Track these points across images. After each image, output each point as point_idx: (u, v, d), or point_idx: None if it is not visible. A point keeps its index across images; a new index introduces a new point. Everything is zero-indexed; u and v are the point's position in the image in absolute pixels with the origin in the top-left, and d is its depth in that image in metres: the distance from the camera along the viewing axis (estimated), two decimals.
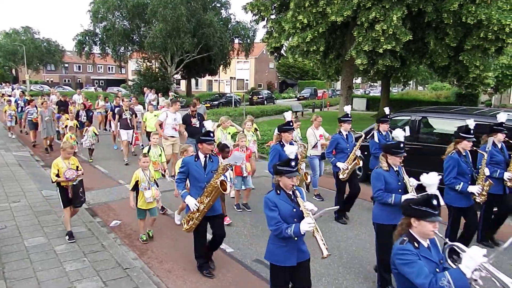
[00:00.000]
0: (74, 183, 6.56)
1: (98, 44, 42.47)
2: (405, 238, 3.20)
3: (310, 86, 62.57)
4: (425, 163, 9.94)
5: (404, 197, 4.98)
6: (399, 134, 5.52)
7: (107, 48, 42.10)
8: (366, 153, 10.29)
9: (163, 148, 8.83)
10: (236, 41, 44.35)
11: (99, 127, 18.28)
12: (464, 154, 6.09)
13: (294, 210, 4.10)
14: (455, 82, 22.40)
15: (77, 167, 6.71)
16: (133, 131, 13.43)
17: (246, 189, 8.77)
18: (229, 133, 9.98)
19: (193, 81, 56.03)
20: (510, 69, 28.45)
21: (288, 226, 3.99)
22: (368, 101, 39.08)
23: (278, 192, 4.14)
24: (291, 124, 6.92)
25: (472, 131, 6.06)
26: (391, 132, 8.05)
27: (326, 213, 4.12)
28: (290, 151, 4.17)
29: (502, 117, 6.85)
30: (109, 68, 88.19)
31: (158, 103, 21.22)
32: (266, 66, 72.62)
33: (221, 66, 45.04)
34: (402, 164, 5.40)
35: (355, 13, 16.15)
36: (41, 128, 14.28)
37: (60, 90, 51.61)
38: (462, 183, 5.96)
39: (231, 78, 41.81)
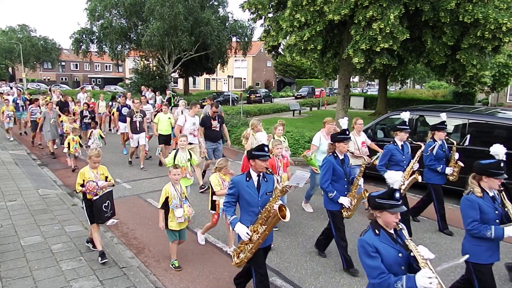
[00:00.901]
0: (97, 197, 5.87)
1: (95, 42, 42.31)
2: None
3: (308, 84, 62.73)
4: (422, 162, 9.97)
5: (507, 229, 4.21)
6: (499, 151, 4.63)
7: (104, 46, 41.93)
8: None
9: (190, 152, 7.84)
10: (234, 39, 44.28)
11: (100, 128, 17.54)
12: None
13: (400, 254, 3.27)
14: (452, 81, 22.44)
15: (106, 177, 6.15)
16: (145, 134, 12.47)
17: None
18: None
19: (190, 79, 55.90)
20: (506, 67, 28.50)
21: (397, 280, 3.10)
22: (366, 99, 39.17)
23: (377, 232, 3.34)
24: (347, 132, 5.83)
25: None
26: (447, 141, 7.61)
27: (451, 264, 3.11)
28: (394, 179, 3.38)
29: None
30: (106, 66, 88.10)
31: (155, 101, 21.18)
32: (263, 65, 72.64)
33: (219, 64, 44.99)
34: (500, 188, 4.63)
35: (352, 12, 16.14)
36: (45, 130, 13.52)
37: (62, 89, 51.60)
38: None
39: (228, 76, 41.70)
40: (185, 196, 5.99)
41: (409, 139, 7.24)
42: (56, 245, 6.36)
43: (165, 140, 12.23)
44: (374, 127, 11.29)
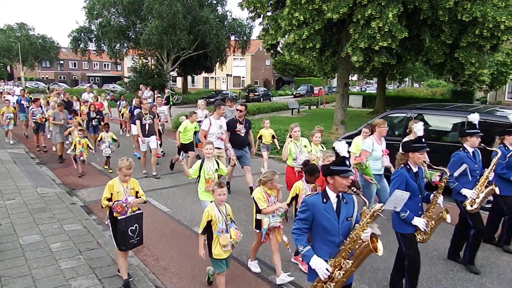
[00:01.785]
0: (123, 216, 5.07)
1: (93, 40, 42.28)
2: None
3: (307, 83, 62.72)
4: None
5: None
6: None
7: (102, 45, 41.90)
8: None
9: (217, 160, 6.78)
10: (232, 38, 44.29)
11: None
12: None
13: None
14: (450, 79, 22.42)
15: (137, 192, 5.33)
16: (156, 137, 11.62)
17: None
18: (305, 146, 7.82)
19: (189, 78, 55.96)
20: (505, 66, 28.50)
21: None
22: (364, 98, 39.21)
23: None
24: (423, 140, 4.92)
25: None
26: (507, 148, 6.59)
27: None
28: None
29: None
30: (104, 65, 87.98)
31: (154, 100, 21.13)
32: (262, 63, 72.63)
33: (217, 63, 45.02)
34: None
35: (351, 10, 16.13)
36: (54, 132, 12.85)
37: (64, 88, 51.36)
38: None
39: (227, 75, 41.87)
40: (231, 219, 5.06)
41: (482, 144, 6.23)
42: (55, 243, 6.36)
43: (187, 149, 11.16)
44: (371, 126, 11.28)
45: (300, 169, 7.05)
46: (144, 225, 7.54)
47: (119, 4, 38.27)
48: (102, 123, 14.27)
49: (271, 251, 5.67)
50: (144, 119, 11.11)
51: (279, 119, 23.52)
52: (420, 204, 5.03)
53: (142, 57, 41.27)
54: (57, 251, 6.09)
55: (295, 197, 5.82)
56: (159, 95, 20.86)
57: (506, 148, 6.54)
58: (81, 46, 41.86)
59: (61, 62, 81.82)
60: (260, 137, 11.89)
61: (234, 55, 49.75)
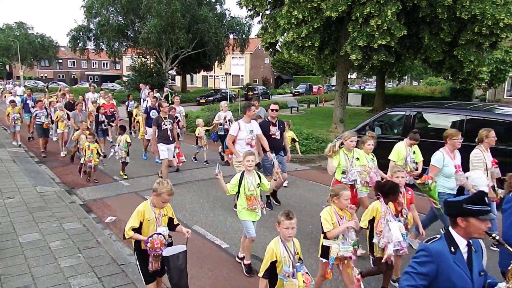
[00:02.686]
0: (170, 252, 4.15)
1: (92, 39, 42.30)
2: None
3: (306, 81, 62.68)
4: None
5: None
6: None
7: (101, 43, 41.94)
8: None
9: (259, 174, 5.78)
10: (231, 36, 44.30)
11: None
12: None
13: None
14: (449, 77, 22.48)
15: (172, 219, 4.47)
16: (175, 144, 10.38)
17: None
18: (358, 158, 6.44)
19: (188, 76, 55.92)
20: (504, 63, 28.55)
21: None
22: (363, 96, 39.20)
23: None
24: None
25: None
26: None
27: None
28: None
29: None
30: (103, 64, 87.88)
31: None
32: (261, 62, 72.58)
33: (216, 61, 45.03)
34: None
35: (349, 8, 16.13)
36: (72, 135, 11.89)
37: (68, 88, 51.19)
38: None
39: (226, 73, 41.80)
40: (300, 258, 4.00)
41: None
42: (54, 242, 6.36)
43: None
44: (372, 124, 11.30)
45: (351, 185, 6.17)
46: None
47: (118, 3, 38.27)
48: (112, 124, 14.01)
49: (345, 286, 4.83)
50: (164, 124, 9.80)
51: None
52: None
53: (141, 56, 41.26)
54: (57, 250, 6.09)
55: (371, 221, 4.84)
56: (154, 93, 20.80)
57: None
58: (80, 45, 41.86)
59: (60, 61, 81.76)
60: None
61: (233, 53, 49.74)
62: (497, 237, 2.77)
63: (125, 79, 48.70)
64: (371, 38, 15.77)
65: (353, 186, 6.22)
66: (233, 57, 62.60)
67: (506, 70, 29.27)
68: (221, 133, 12.15)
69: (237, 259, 6.04)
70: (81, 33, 41.57)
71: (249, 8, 21.05)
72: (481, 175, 6.21)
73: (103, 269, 5.55)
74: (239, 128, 7.90)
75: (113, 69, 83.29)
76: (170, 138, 9.92)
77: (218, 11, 42.94)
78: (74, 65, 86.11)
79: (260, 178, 5.66)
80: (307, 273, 3.93)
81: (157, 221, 4.29)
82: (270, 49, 23.45)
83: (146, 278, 4.36)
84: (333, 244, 4.45)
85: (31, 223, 7.13)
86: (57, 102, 15.29)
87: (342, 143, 6.41)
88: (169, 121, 9.95)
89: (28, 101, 16.15)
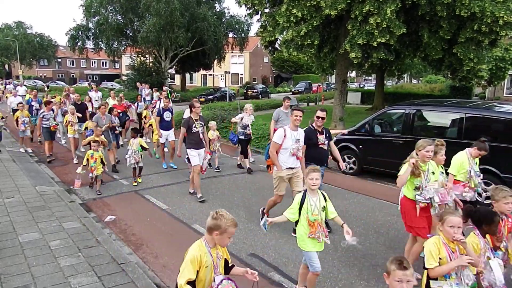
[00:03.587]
0: None
1: (91, 38, 42.25)
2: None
3: (305, 80, 62.72)
4: None
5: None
6: None
7: (100, 42, 41.90)
8: (361, 146, 10.35)
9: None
10: (230, 35, 44.28)
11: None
12: None
13: None
14: (449, 75, 22.45)
15: (227, 262, 3.56)
16: (207, 149, 9.42)
17: None
18: (433, 172, 5.48)
19: (187, 75, 55.89)
20: (503, 61, 28.59)
21: None
22: (363, 94, 39.21)
23: None
24: None
25: None
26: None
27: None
28: None
29: None
30: (103, 63, 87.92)
31: (152, 98, 21.09)
32: (260, 60, 72.55)
33: (216, 60, 45.01)
34: None
35: (349, 6, 16.10)
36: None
37: (59, 86, 51.06)
38: None
39: (225, 72, 41.68)
40: None
41: None
42: (54, 241, 6.35)
43: None
44: (371, 122, 11.30)
45: (426, 205, 5.31)
46: (143, 222, 7.60)
47: (117, 2, 38.24)
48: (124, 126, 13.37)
49: None
50: (195, 126, 8.85)
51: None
52: None
53: (140, 55, 41.19)
54: (56, 249, 6.09)
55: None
56: (139, 94, 20.76)
57: None
58: (78, 44, 41.81)
59: (59, 60, 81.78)
60: None
61: (232, 52, 49.69)
62: None
63: (124, 78, 48.65)
64: (371, 36, 15.75)
65: (429, 206, 5.31)
66: (232, 56, 62.59)
67: (506, 68, 29.30)
68: (242, 137, 11.54)
69: None
70: (80, 32, 41.51)
71: (248, 6, 21.00)
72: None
73: (102, 268, 5.55)
74: (284, 136, 6.80)
75: (112, 68, 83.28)
76: (203, 142, 9.02)
77: (217, 10, 42.90)
78: (73, 64, 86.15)
79: (325, 199, 4.68)
80: None
81: (215, 267, 3.37)
82: (270, 48, 23.43)
83: None
84: (443, 286, 3.56)
85: (31, 222, 7.13)
86: (61, 102, 15.00)
87: (417, 154, 5.35)
88: (201, 124, 8.97)
89: (33, 103, 15.21)
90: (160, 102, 14.20)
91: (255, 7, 20.69)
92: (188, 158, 9.17)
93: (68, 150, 13.44)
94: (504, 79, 32.07)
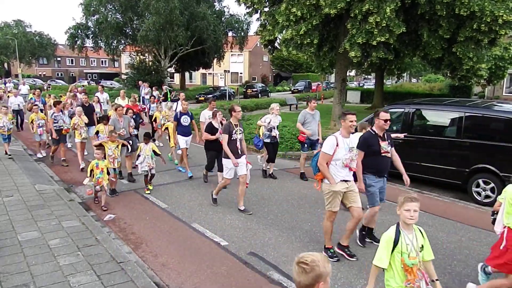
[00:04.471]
0: None
1: (90, 37, 42.23)
2: None
3: (304, 79, 62.73)
4: (419, 155, 10.03)
5: None
6: None
7: (99, 41, 41.88)
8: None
9: None
10: (230, 34, 44.29)
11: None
12: None
13: None
14: (448, 74, 22.46)
15: None
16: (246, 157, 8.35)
17: None
18: None
19: (187, 74, 55.89)
20: (503, 60, 28.58)
21: None
22: (362, 93, 39.22)
23: None
24: None
25: None
26: None
27: None
28: None
29: None
30: (102, 61, 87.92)
31: (151, 96, 21.05)
32: (260, 59, 72.59)
33: (215, 59, 45.01)
34: None
35: (348, 5, 16.11)
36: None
37: (58, 85, 50.93)
38: None
39: (225, 71, 41.76)
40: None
41: None
42: (53, 240, 6.35)
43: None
44: (370, 121, 11.29)
45: None
46: (142, 221, 7.59)
47: (116, 1, 38.26)
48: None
49: None
50: (235, 133, 7.97)
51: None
52: None
53: (139, 54, 41.19)
54: (56, 248, 6.09)
55: None
56: (153, 91, 20.83)
57: None
58: (78, 43, 41.79)
59: (59, 59, 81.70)
60: None
61: (231, 51, 49.74)
62: None
63: (123, 77, 48.66)
64: (370, 35, 15.76)
65: None
66: (232, 55, 62.58)
67: (505, 67, 29.29)
68: (267, 140, 10.43)
69: None
70: (79, 31, 41.48)
71: (247, 5, 21.00)
72: None
73: (102, 267, 5.55)
74: (337, 144, 5.81)
75: (111, 67, 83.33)
76: (239, 152, 8.02)
77: (217, 9, 42.90)
78: (72, 63, 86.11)
79: (423, 236, 3.72)
80: None
81: None
82: (269, 47, 23.43)
83: None
84: None
85: (30, 221, 7.12)
86: (66, 102, 13.91)
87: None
88: (240, 130, 8.11)
89: (37, 103, 14.15)
90: (177, 105, 13.38)
91: (255, 6, 20.69)
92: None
93: (75, 155, 12.51)
94: (504, 78, 32.08)
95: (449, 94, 32.49)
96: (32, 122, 12.39)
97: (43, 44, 69.29)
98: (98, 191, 8.45)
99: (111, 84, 54.44)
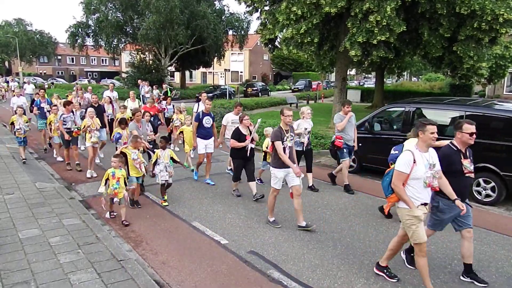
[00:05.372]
0: None
1: (91, 36, 42.31)
2: None
3: (305, 78, 62.71)
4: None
5: None
6: None
7: (100, 40, 41.95)
8: (360, 144, 10.35)
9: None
10: (230, 32, 44.30)
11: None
12: None
13: None
14: (449, 73, 22.45)
15: None
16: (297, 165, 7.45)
17: None
18: None
19: (187, 73, 55.88)
20: (503, 59, 28.58)
21: None
22: (363, 92, 39.20)
23: None
24: None
25: None
26: None
27: None
28: None
29: None
30: (102, 60, 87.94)
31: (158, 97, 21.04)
32: (260, 58, 72.61)
33: (215, 58, 45.05)
34: None
35: (349, 4, 16.11)
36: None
37: (58, 83, 50.90)
38: None
39: (225, 70, 41.79)
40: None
41: None
42: (54, 238, 6.36)
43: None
44: (371, 120, 11.30)
45: None
46: (143, 219, 7.60)
47: None
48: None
49: None
50: (286, 139, 6.99)
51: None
52: None
53: (139, 52, 41.21)
54: (56, 245, 6.10)
55: None
56: (154, 90, 20.77)
57: None
58: (78, 41, 41.85)
59: (59, 57, 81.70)
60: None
61: (232, 50, 49.76)
62: None
63: (124, 75, 48.66)
64: (371, 34, 15.75)
65: None
66: (232, 53, 62.59)
67: (506, 65, 29.29)
68: (299, 148, 9.25)
69: None
70: (80, 30, 41.55)
71: (248, 4, 21.00)
72: None
73: (102, 265, 5.55)
74: (414, 161, 4.81)
75: (112, 66, 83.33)
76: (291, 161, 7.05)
77: (217, 7, 42.91)
78: (73, 61, 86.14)
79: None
80: None
81: None
82: (269, 45, 23.42)
83: None
84: None
85: (31, 219, 7.13)
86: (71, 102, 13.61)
87: None
88: (291, 136, 7.13)
89: (42, 104, 13.44)
90: (199, 105, 12.11)
91: (255, 5, 20.68)
92: (260, 179, 8.99)
93: (85, 158, 11.66)
94: (504, 77, 32.07)
95: (449, 93, 32.51)
96: (50, 123, 11.61)
97: (43, 43, 69.32)
98: (113, 203, 7.53)
99: (112, 83, 54.48)
